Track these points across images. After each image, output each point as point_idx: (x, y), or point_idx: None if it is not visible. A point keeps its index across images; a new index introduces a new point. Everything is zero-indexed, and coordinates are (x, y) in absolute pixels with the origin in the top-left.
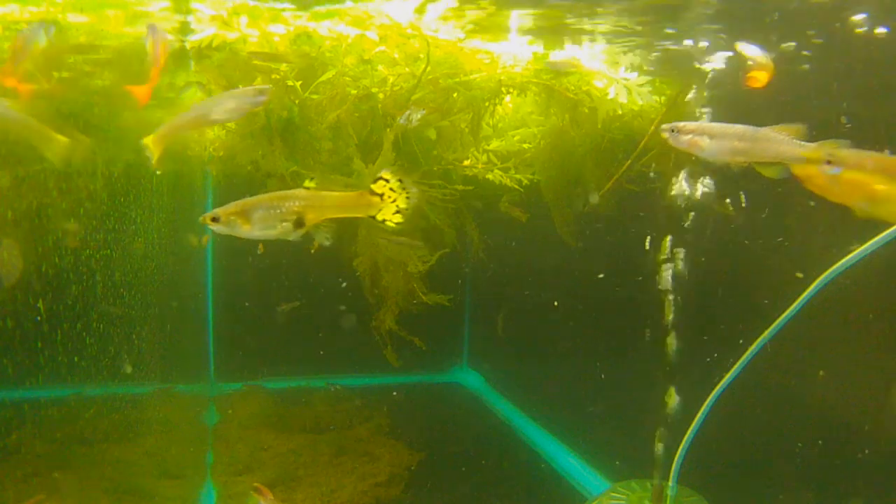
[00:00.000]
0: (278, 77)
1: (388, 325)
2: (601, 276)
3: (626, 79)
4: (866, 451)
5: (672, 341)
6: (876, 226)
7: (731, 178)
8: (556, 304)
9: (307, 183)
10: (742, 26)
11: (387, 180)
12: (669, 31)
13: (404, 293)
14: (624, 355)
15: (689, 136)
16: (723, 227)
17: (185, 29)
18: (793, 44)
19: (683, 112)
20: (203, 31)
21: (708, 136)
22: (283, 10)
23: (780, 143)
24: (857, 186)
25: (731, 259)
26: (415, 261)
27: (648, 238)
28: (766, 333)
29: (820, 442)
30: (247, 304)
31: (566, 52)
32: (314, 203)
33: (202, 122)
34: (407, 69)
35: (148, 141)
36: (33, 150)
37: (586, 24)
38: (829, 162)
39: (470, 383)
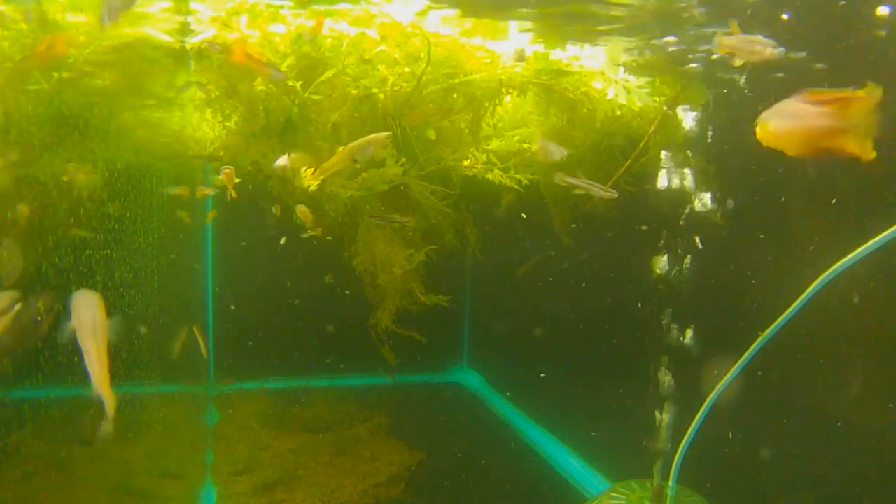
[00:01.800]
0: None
1: (384, 324)
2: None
3: (625, 80)
4: (866, 455)
5: (672, 341)
6: (874, 227)
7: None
8: (555, 304)
9: None
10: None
11: None
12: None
13: (402, 293)
14: (624, 355)
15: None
16: (720, 229)
17: (185, 30)
18: None
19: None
20: (203, 33)
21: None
22: (282, 7)
23: None
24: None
25: (730, 259)
26: (401, 260)
27: (648, 238)
28: (766, 334)
29: (821, 444)
30: (247, 304)
31: (568, 53)
32: None
33: None
34: (407, 69)
35: None
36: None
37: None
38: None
39: (470, 383)
